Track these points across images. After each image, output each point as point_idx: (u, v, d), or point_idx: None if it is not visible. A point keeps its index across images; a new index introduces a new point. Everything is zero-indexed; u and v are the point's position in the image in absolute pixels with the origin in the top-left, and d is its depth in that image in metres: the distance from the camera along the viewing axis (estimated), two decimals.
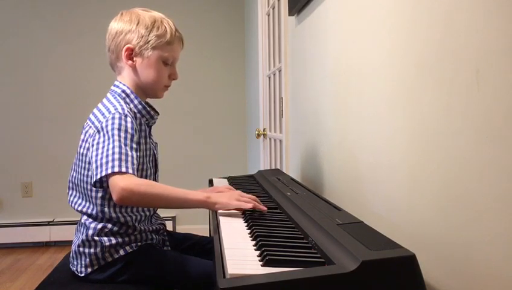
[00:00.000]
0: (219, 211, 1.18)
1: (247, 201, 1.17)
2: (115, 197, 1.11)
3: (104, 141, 1.16)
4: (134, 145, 1.18)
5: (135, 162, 1.16)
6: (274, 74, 2.54)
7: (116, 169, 1.11)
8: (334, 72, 1.44)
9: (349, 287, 0.69)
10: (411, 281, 0.71)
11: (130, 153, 1.16)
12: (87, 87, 3.83)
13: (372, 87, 1.14)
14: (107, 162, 1.12)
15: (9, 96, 3.78)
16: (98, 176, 1.13)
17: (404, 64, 0.96)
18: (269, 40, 2.70)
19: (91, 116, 1.27)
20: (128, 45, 1.29)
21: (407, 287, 0.70)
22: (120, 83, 1.33)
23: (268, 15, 2.68)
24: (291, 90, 2.10)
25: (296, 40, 1.99)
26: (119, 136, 1.16)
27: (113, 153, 1.13)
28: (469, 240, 0.75)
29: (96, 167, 1.14)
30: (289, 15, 2.02)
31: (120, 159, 1.13)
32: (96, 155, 1.15)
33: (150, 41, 1.29)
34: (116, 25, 1.32)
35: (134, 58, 1.30)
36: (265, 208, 1.17)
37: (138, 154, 1.20)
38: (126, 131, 1.18)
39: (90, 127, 1.23)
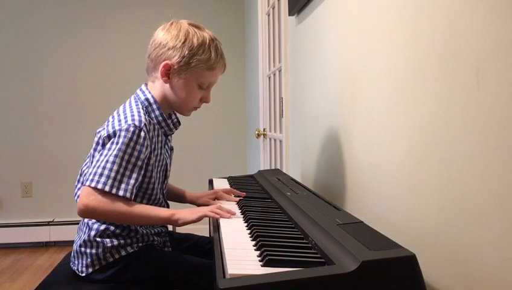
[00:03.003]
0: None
1: (211, 209, 1.16)
2: (77, 209, 1.12)
3: (109, 149, 1.15)
4: (138, 163, 1.17)
5: (132, 181, 1.15)
6: (274, 74, 2.54)
7: (107, 188, 1.11)
8: (335, 72, 1.44)
9: (349, 287, 0.69)
10: (411, 281, 0.71)
11: (128, 172, 1.15)
12: (87, 88, 3.83)
13: (372, 87, 1.14)
14: (100, 175, 1.12)
15: (9, 96, 3.78)
16: (87, 183, 1.12)
17: (404, 64, 0.96)
18: (269, 40, 2.70)
19: (110, 118, 1.25)
20: (167, 61, 1.25)
21: (407, 287, 0.70)
22: (146, 89, 1.30)
23: (268, 15, 2.68)
24: (291, 90, 2.11)
25: (296, 40, 1.99)
26: (125, 152, 1.15)
27: (110, 170, 1.12)
28: (469, 240, 0.75)
29: (90, 173, 1.13)
30: (289, 15, 2.02)
31: (115, 179, 1.12)
32: (97, 161, 1.15)
33: (191, 63, 1.25)
34: (162, 35, 1.27)
35: (171, 76, 1.27)
36: (228, 215, 1.16)
37: (142, 172, 1.19)
38: (134, 147, 1.16)
39: (104, 129, 1.22)
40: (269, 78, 2.71)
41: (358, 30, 1.23)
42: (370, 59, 1.15)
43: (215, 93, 4.61)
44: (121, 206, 1.13)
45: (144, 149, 1.19)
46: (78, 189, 1.31)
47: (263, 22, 2.82)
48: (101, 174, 1.12)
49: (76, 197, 1.31)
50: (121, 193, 1.13)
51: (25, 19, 3.77)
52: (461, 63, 0.75)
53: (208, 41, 1.27)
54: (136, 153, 1.17)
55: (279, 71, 2.35)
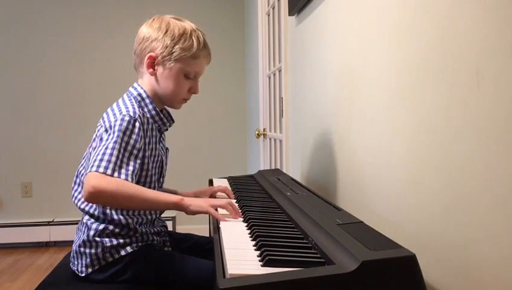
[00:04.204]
0: (219, 210, 1.18)
1: (224, 205, 1.15)
2: (84, 194, 1.11)
3: (107, 140, 1.17)
4: (134, 152, 1.18)
5: (130, 168, 1.16)
6: (274, 74, 2.54)
7: (109, 172, 1.11)
8: (334, 72, 1.44)
9: (349, 287, 0.69)
10: (411, 281, 0.71)
11: (126, 159, 1.16)
12: (87, 88, 3.83)
13: (372, 87, 1.14)
14: (100, 160, 1.12)
15: (9, 96, 3.78)
16: (88, 170, 1.13)
17: (404, 64, 0.96)
18: (269, 40, 2.70)
19: (104, 115, 1.27)
20: (151, 53, 1.29)
21: (407, 287, 0.70)
22: (138, 86, 1.33)
23: (268, 15, 2.68)
24: (291, 90, 2.11)
25: (296, 40, 1.99)
26: (122, 139, 1.17)
27: (111, 155, 1.13)
28: (469, 240, 0.75)
29: (91, 161, 1.14)
30: (289, 15, 2.02)
31: (115, 163, 1.13)
32: (96, 151, 1.16)
33: (173, 52, 1.27)
34: (144, 30, 1.32)
35: (156, 67, 1.30)
36: (238, 216, 1.15)
37: (138, 161, 1.20)
38: (130, 136, 1.18)
39: (102, 126, 1.23)
40: (269, 78, 2.71)
41: (358, 30, 1.23)
42: (370, 59, 1.15)
43: (215, 93, 4.58)
44: (128, 189, 1.12)
45: (139, 139, 1.20)
46: (75, 191, 1.32)
47: (263, 22, 2.82)
48: (101, 160, 1.13)
49: (73, 199, 1.31)
50: (122, 176, 1.13)
51: (25, 20, 3.77)
52: (461, 63, 0.75)
53: (189, 31, 1.30)
54: (132, 142, 1.18)
55: (279, 71, 2.35)
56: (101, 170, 1.11)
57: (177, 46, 1.27)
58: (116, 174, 1.13)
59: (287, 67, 2.18)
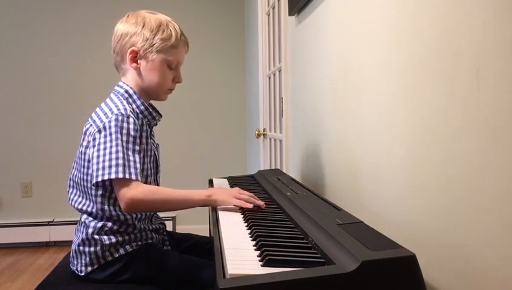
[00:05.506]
0: (219, 211, 1.20)
1: (246, 199, 1.21)
2: (122, 206, 1.16)
3: (105, 142, 1.17)
4: (137, 148, 1.20)
5: (138, 166, 1.18)
6: (274, 74, 2.54)
7: (121, 175, 1.14)
8: (334, 72, 1.44)
9: (349, 287, 0.69)
10: (411, 281, 0.71)
11: (132, 157, 1.17)
12: (87, 87, 3.83)
13: (372, 87, 1.14)
14: (110, 166, 1.14)
15: (9, 96, 3.78)
16: (100, 179, 1.14)
17: (404, 64, 0.96)
18: (269, 40, 2.70)
19: (93, 115, 1.28)
20: (133, 48, 1.30)
21: (407, 287, 0.70)
22: (123, 83, 1.34)
23: (268, 15, 2.68)
24: (291, 90, 2.11)
25: (296, 40, 1.99)
26: (122, 139, 1.18)
27: (117, 158, 1.15)
28: (469, 240, 0.75)
29: (98, 169, 1.15)
30: (289, 15, 2.02)
31: (124, 165, 1.15)
32: (98, 156, 1.16)
33: (154, 44, 1.30)
34: (121, 27, 1.33)
35: (139, 61, 1.31)
36: (263, 203, 1.22)
37: (141, 155, 1.22)
38: (128, 134, 1.19)
39: (91, 125, 1.24)
40: (269, 78, 2.71)
41: (358, 30, 1.23)
42: (370, 59, 1.15)
43: (215, 93, 4.58)
44: (162, 194, 1.19)
45: (137, 134, 1.22)
46: (71, 193, 1.32)
47: (263, 22, 2.82)
48: (110, 166, 1.15)
49: (70, 202, 1.32)
50: (133, 177, 1.16)
51: (25, 20, 3.77)
52: (461, 63, 0.75)
53: (165, 22, 1.33)
54: (131, 139, 1.20)
55: (279, 71, 2.35)
56: (113, 176, 1.14)
57: (157, 37, 1.30)
58: (127, 175, 1.15)
59: (287, 67, 2.18)
